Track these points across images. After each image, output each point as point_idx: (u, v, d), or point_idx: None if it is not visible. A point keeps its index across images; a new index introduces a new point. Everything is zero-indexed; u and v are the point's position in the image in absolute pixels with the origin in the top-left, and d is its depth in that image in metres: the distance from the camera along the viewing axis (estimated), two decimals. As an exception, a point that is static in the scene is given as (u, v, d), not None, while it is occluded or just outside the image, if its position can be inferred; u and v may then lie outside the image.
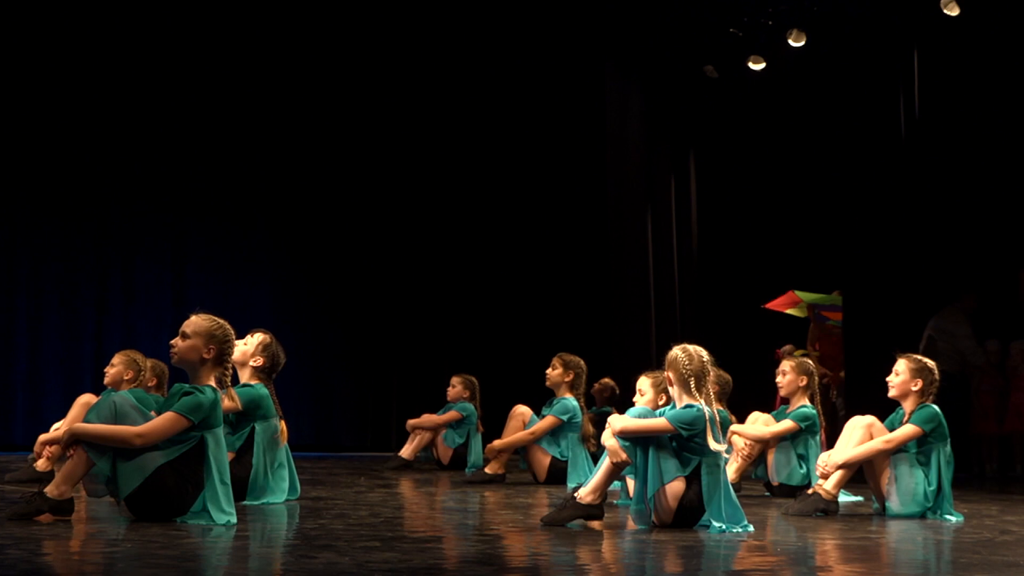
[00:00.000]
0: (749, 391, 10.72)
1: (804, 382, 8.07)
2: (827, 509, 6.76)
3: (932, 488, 6.68)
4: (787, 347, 12.15)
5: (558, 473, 8.89)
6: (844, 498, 7.51)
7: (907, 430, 6.74)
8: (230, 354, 5.85)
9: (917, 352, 7.49)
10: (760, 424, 8.14)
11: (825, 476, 6.83)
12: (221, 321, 5.85)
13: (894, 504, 6.74)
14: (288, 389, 13.49)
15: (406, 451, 10.80)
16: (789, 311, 12.31)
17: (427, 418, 10.84)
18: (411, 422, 10.86)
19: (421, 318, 14.36)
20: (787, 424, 8.00)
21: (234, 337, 5.88)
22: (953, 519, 6.61)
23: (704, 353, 5.96)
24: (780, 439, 8.01)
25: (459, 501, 7.58)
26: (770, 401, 10.69)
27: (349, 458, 12.43)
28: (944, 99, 10.99)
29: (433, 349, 14.22)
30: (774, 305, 12.31)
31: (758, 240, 13.18)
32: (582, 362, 9.15)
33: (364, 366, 14.34)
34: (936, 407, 6.80)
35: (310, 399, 13.94)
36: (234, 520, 5.60)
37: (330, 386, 14.21)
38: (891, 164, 10.80)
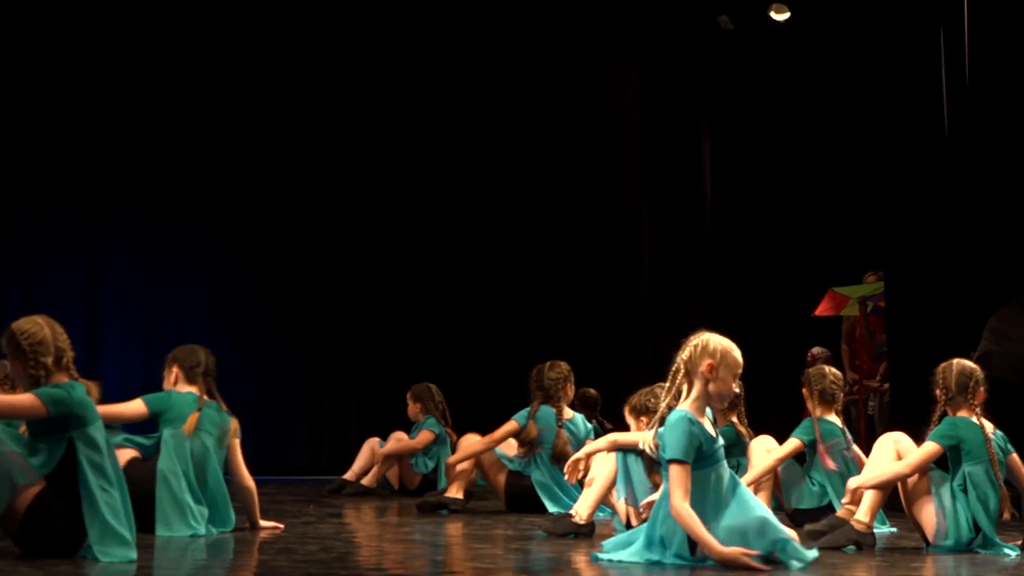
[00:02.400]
0: (775, 399, 10.71)
1: (810, 393, 8.13)
2: (860, 542, 6.74)
3: (977, 517, 6.67)
4: (818, 349, 12.13)
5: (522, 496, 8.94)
6: (880, 529, 7.48)
7: (922, 448, 6.78)
8: (41, 352, 5.83)
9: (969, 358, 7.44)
10: (762, 450, 8.12)
11: (855, 502, 6.81)
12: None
13: (930, 536, 6.74)
14: (227, 401, 13.43)
15: (370, 478, 10.79)
16: (844, 313, 12.29)
17: (404, 444, 10.83)
18: (386, 450, 10.83)
19: (385, 318, 14.27)
20: (789, 446, 7.98)
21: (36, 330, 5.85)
22: (1012, 553, 6.57)
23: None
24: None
25: (426, 533, 7.54)
26: (797, 411, 10.67)
27: (297, 482, 12.38)
28: (998, 55, 10.95)
29: (399, 355, 14.15)
30: (824, 311, 12.27)
31: (784, 227, 13.16)
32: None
33: (317, 374, 14.26)
34: (963, 418, 6.78)
35: (252, 413, 13.83)
36: (132, 555, 5.57)
37: (276, 397, 14.11)
38: (937, 134, 10.77)
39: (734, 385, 5.88)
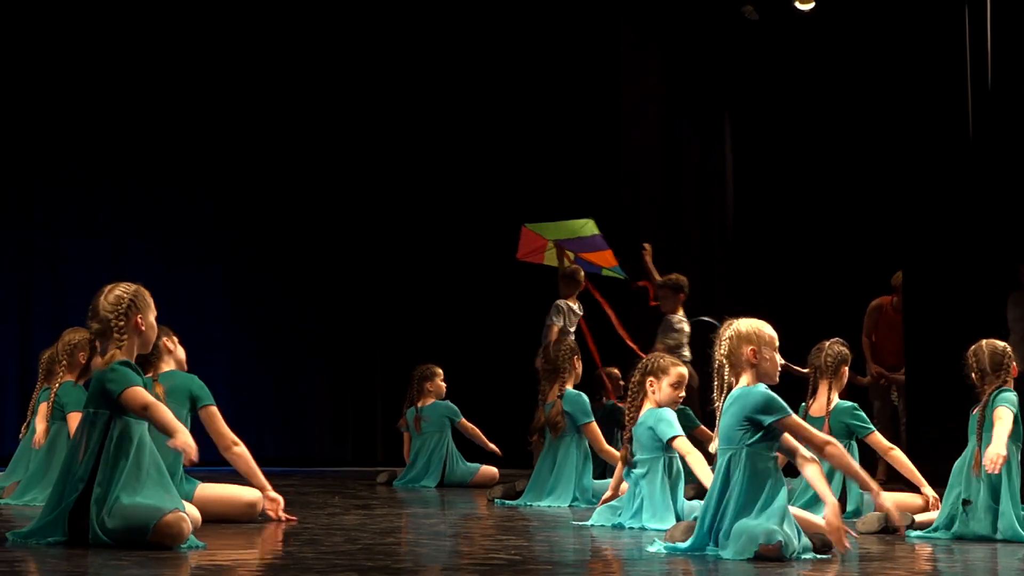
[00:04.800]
0: (797, 392, 10.65)
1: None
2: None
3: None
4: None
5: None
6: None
7: (1006, 418, 6.78)
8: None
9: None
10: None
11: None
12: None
13: None
14: (248, 392, 13.44)
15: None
16: (547, 261, 11.90)
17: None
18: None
19: (408, 307, 14.26)
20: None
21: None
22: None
23: None
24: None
25: (451, 524, 7.47)
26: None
27: (322, 474, 12.36)
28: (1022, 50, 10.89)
29: (424, 343, 14.06)
30: (525, 256, 11.95)
31: (807, 220, 13.10)
32: None
33: (341, 364, 14.23)
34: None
35: (275, 404, 13.84)
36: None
37: (299, 388, 14.09)
38: (961, 128, 10.71)
39: (778, 358, 5.83)
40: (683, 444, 7.18)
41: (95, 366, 6.30)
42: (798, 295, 12.72)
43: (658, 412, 7.25)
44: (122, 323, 5.82)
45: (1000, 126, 10.76)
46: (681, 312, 11.24)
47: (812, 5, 12.26)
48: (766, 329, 5.84)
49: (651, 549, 5.85)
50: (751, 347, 5.77)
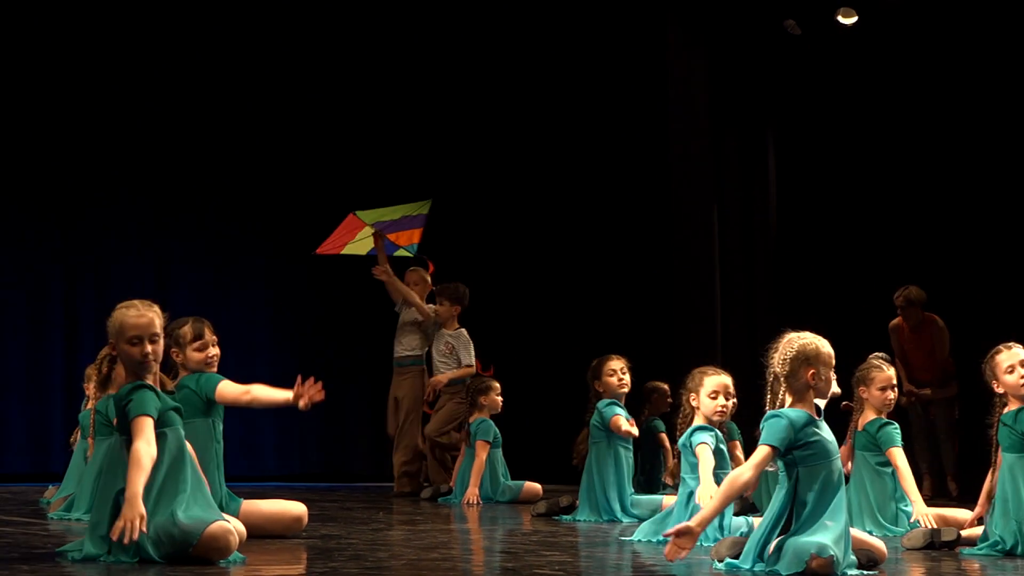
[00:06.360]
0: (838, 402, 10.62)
1: (864, 393, 8.07)
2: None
3: None
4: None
5: None
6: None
7: None
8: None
9: None
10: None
11: None
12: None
13: None
14: (292, 408, 13.40)
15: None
16: (348, 251, 11.65)
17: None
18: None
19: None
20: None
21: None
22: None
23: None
24: None
25: (497, 540, 7.46)
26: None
27: (366, 489, 12.36)
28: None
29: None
30: (330, 247, 11.64)
31: (850, 234, 13.03)
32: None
33: (384, 379, 14.19)
34: None
35: (317, 419, 13.82)
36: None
37: (342, 403, 14.06)
38: (1012, 139, 10.63)
39: (832, 377, 5.78)
40: (702, 451, 7.19)
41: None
42: (840, 309, 12.64)
43: (692, 428, 7.32)
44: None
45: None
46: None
47: (855, 19, 12.20)
48: (824, 348, 5.78)
49: (719, 567, 5.80)
50: (811, 370, 5.71)
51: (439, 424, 11.39)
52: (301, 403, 6.49)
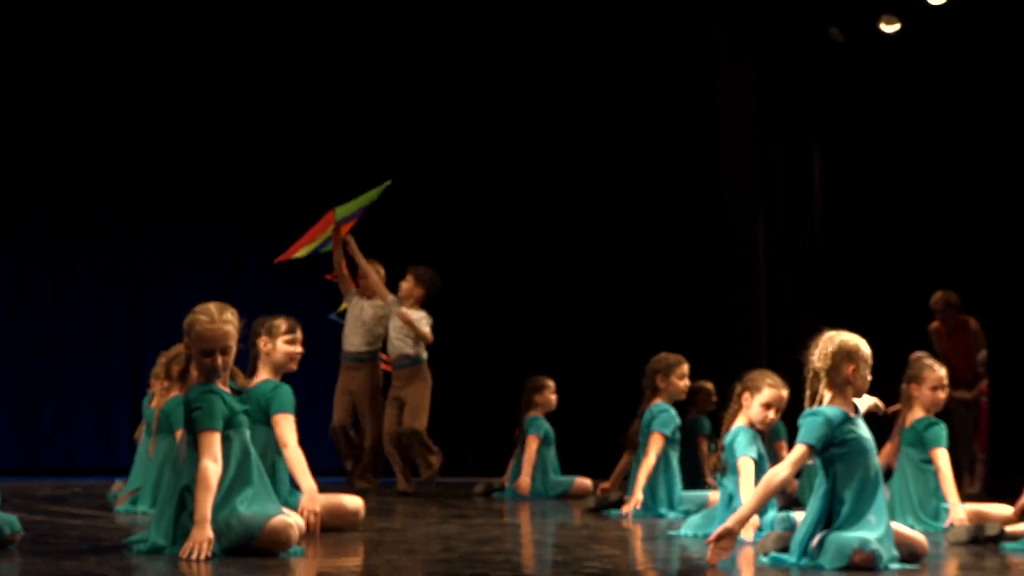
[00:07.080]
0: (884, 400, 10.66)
1: (915, 391, 8.08)
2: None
3: None
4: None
5: None
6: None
7: None
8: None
9: None
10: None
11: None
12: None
13: None
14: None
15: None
16: (300, 253, 11.02)
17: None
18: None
19: (496, 316, 14.23)
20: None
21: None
22: None
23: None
24: None
25: (549, 534, 7.54)
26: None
27: (416, 484, 12.39)
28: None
29: (511, 352, 13.99)
30: (288, 253, 11.05)
31: (894, 237, 13.01)
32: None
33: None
34: None
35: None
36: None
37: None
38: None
39: (868, 375, 5.86)
40: (743, 465, 7.18)
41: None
42: (884, 314, 12.64)
43: (737, 430, 7.28)
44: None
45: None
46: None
47: (898, 27, 12.19)
48: (864, 346, 5.86)
49: (764, 560, 5.88)
50: (852, 366, 5.80)
51: (415, 413, 10.57)
52: (301, 518, 6.34)
